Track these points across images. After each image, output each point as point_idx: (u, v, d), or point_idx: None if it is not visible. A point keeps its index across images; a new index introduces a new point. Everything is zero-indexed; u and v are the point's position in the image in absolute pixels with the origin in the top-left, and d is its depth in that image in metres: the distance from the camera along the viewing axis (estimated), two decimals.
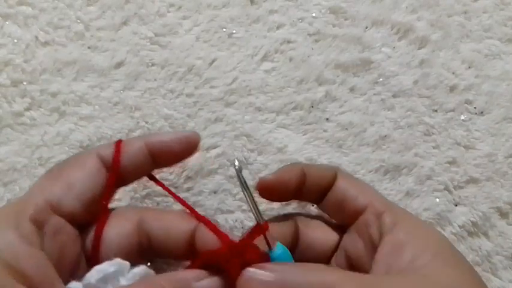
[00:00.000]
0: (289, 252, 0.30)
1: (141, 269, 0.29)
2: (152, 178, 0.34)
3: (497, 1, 0.45)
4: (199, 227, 0.30)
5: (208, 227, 0.30)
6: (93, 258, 0.30)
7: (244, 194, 0.29)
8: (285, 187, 0.31)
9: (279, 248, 0.29)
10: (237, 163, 0.28)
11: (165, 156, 0.32)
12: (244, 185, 0.28)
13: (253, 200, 0.29)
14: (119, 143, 0.32)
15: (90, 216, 0.31)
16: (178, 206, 0.34)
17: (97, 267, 0.28)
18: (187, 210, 0.32)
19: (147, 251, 0.32)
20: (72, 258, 0.29)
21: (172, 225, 0.31)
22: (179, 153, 0.32)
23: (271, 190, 0.31)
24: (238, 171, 0.28)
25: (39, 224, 0.28)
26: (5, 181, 0.40)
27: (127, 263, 0.29)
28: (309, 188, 0.32)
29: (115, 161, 0.31)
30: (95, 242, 0.30)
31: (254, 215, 0.29)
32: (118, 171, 0.31)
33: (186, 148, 0.32)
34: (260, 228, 0.29)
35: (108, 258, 0.29)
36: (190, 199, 0.41)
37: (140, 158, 0.32)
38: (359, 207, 0.31)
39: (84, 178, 0.30)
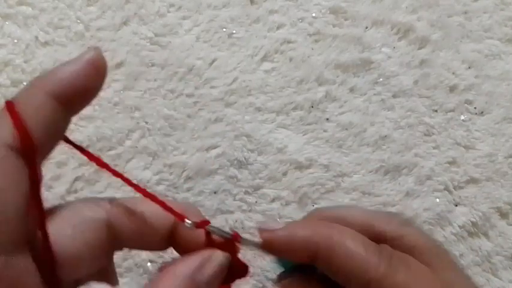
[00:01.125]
0: None
1: None
2: (68, 141, 0.26)
3: (498, 1, 0.45)
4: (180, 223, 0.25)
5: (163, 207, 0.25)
6: (51, 277, 0.23)
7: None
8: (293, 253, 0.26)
9: None
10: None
11: (77, 98, 0.24)
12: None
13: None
14: (12, 110, 0.22)
15: (30, 228, 0.22)
16: None
17: None
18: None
19: (118, 247, 0.27)
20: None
21: (147, 221, 0.25)
22: (91, 87, 0.24)
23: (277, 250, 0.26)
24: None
25: None
26: None
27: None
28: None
29: (26, 140, 0.21)
30: (48, 259, 0.23)
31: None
32: (36, 151, 0.22)
33: (96, 75, 0.24)
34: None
35: (74, 271, 0.24)
36: (191, 199, 0.41)
37: (51, 116, 0.23)
38: None
39: (13, 189, 0.21)
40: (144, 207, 0.26)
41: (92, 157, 0.25)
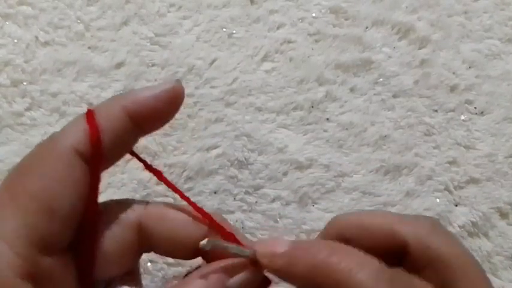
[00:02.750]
0: None
1: None
2: (134, 155, 0.27)
3: (498, 1, 0.45)
4: (212, 231, 0.26)
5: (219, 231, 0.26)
6: (87, 277, 0.24)
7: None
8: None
9: None
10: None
11: (150, 119, 0.25)
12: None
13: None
14: (91, 118, 0.23)
15: (79, 228, 0.24)
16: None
17: None
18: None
19: (147, 251, 0.27)
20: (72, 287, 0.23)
21: (179, 230, 0.26)
22: (166, 112, 0.25)
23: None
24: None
25: (32, 277, 0.21)
26: None
27: None
28: None
29: (96, 149, 0.23)
30: (88, 260, 0.24)
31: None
32: (102, 160, 0.23)
33: (172, 104, 0.25)
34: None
35: (105, 272, 0.25)
36: (191, 199, 0.41)
37: (122, 131, 0.24)
38: None
39: (66, 192, 0.22)
40: (176, 214, 0.26)
41: (155, 171, 0.26)
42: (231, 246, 0.24)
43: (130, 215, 0.25)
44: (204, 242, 0.23)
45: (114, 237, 0.25)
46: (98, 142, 0.23)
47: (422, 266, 0.24)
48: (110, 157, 0.25)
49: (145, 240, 0.26)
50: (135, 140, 0.26)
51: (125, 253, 0.25)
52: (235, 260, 0.24)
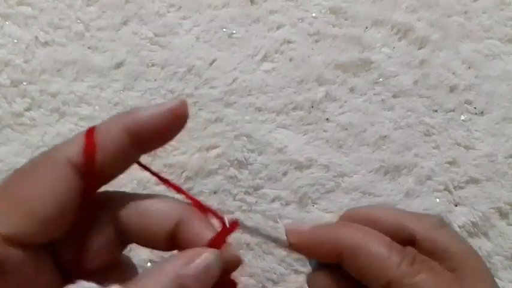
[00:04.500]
0: None
1: None
2: (142, 166, 0.28)
3: (497, 1, 0.45)
4: (183, 221, 0.26)
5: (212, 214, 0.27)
6: (74, 270, 0.26)
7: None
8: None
9: None
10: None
11: (150, 139, 0.25)
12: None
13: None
14: (90, 134, 0.24)
15: (61, 232, 0.25)
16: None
17: None
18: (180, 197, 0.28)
19: (127, 242, 0.28)
20: (45, 285, 0.25)
21: (151, 217, 0.26)
22: (167, 133, 0.25)
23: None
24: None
25: None
26: None
27: (94, 286, 0.24)
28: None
29: (89, 163, 0.24)
30: (78, 255, 0.25)
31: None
32: (95, 176, 0.24)
33: (174, 124, 0.25)
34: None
35: (90, 263, 0.26)
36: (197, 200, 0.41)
37: (120, 149, 0.25)
38: None
39: (52, 199, 0.23)
40: (147, 203, 0.27)
41: (165, 181, 0.27)
42: (266, 234, 0.27)
43: (105, 208, 0.26)
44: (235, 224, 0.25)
45: (92, 229, 0.26)
46: (92, 156, 0.24)
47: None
48: (108, 172, 0.25)
49: (123, 231, 0.26)
50: (136, 158, 0.26)
51: (104, 245, 0.26)
52: (193, 251, 0.25)
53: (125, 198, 0.27)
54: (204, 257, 0.24)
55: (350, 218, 0.28)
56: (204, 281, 0.23)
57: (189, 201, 0.27)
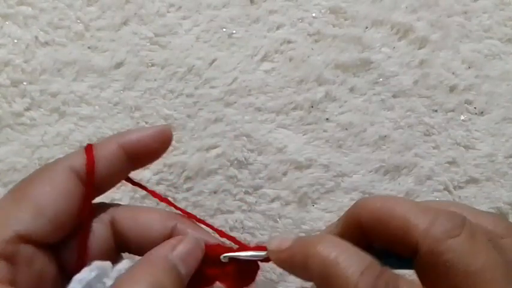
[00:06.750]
0: None
1: (124, 264, 0.27)
2: (130, 181, 0.32)
3: (497, 1, 0.45)
4: (177, 228, 0.29)
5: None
6: (76, 271, 0.27)
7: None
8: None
9: None
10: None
11: (142, 155, 0.30)
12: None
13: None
14: (89, 149, 0.29)
15: (66, 233, 0.28)
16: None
17: (77, 277, 0.26)
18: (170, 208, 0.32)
19: (126, 248, 0.31)
20: (50, 282, 0.27)
21: (147, 225, 0.29)
22: (156, 151, 0.30)
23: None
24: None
25: (8, 258, 0.25)
26: (5, 181, 0.40)
27: (108, 263, 0.27)
28: None
29: (89, 171, 0.28)
30: (79, 257, 0.28)
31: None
32: (94, 183, 0.28)
33: (162, 143, 0.30)
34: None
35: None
36: (190, 199, 0.41)
37: (116, 163, 0.29)
38: None
39: (57, 198, 0.27)
40: (144, 211, 0.31)
41: (154, 194, 0.32)
42: (247, 254, 0.28)
43: (104, 216, 0.30)
44: (221, 256, 0.28)
45: (91, 234, 0.29)
46: (92, 166, 0.28)
47: (432, 272, 0.22)
48: (103, 184, 0.29)
49: (120, 239, 0.30)
50: (129, 172, 0.31)
51: (102, 249, 0.29)
52: (176, 237, 0.28)
53: (122, 207, 0.31)
54: (187, 241, 0.28)
55: (361, 209, 0.25)
56: (190, 263, 0.27)
57: (178, 212, 0.31)
